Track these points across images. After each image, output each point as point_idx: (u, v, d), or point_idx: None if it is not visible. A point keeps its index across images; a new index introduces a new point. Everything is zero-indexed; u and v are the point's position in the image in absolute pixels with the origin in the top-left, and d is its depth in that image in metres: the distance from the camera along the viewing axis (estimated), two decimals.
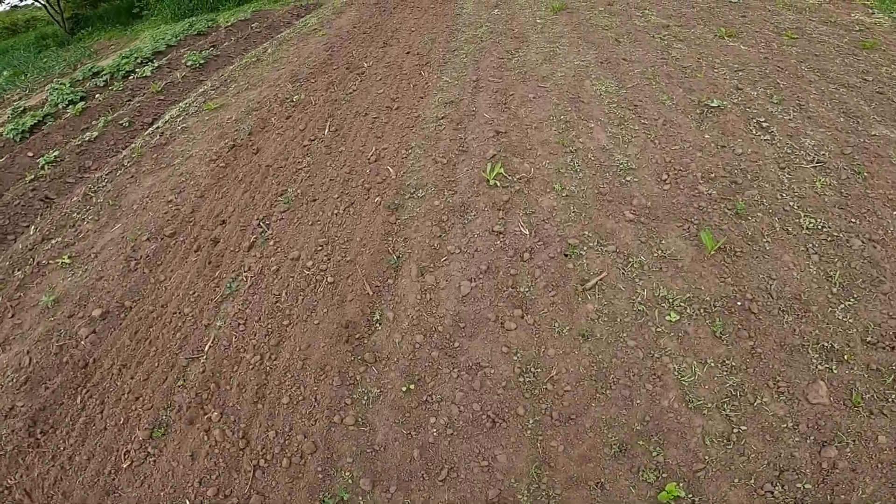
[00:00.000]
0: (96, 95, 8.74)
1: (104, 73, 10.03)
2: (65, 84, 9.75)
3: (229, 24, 11.22)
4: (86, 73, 10.60)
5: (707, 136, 4.42)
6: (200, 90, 7.63)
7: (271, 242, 4.28)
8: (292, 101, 6.30)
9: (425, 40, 7.34)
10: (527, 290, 3.43)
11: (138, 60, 10.46)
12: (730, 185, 3.90)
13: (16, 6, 23.71)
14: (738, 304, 3.18)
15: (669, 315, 3.18)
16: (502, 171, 4.24)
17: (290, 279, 3.95)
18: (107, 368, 3.58)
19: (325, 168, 4.96)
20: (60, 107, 8.76)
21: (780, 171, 4.03)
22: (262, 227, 4.50)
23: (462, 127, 5.00)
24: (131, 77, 9.40)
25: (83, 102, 8.36)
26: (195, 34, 11.82)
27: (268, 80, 7.30)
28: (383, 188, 4.46)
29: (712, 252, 3.41)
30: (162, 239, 4.70)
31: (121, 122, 7.25)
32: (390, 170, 4.66)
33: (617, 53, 6.06)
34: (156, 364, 3.57)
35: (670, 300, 3.25)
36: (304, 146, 5.34)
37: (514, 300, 3.40)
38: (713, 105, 4.75)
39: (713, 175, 3.98)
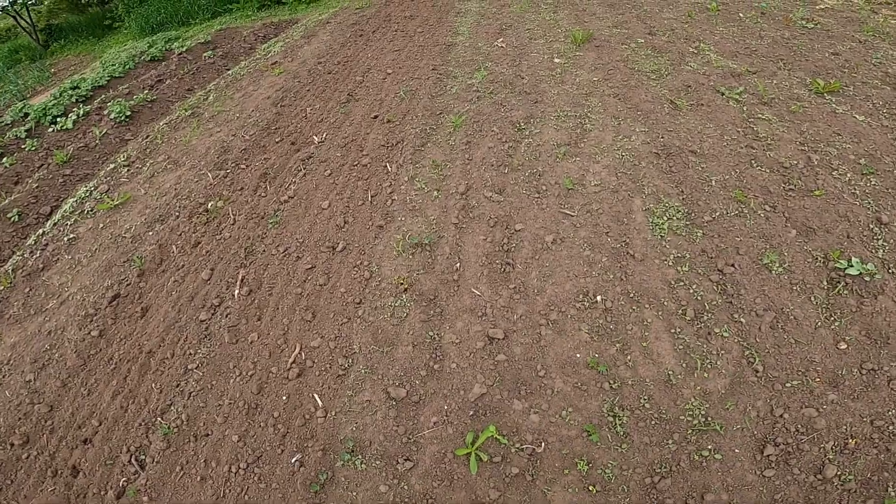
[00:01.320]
0: (3, 159, 7.01)
1: (31, 117, 8.32)
2: None
3: (184, 49, 9.37)
4: (15, 116, 8.90)
5: (844, 346, 2.51)
6: (111, 166, 5.83)
7: (145, 498, 2.58)
8: (207, 209, 4.45)
9: (402, 92, 5.37)
10: None
11: (72, 99, 8.75)
12: (881, 465, 1.99)
13: None
14: None
15: None
16: (494, 431, 2.36)
17: None
18: None
19: (224, 374, 3.14)
20: None
21: None
22: (133, 465, 2.87)
23: (437, 312, 3.07)
24: (53, 128, 7.65)
25: None
26: (148, 60, 10.03)
27: (192, 155, 5.45)
28: (305, 436, 2.73)
29: None
30: (11, 448, 3.16)
31: (10, 216, 5.51)
32: (318, 400, 2.82)
33: (677, 133, 4.02)
34: None
35: None
36: (202, 321, 3.50)
37: None
38: (851, 272, 2.76)
39: (855, 451, 2.09)
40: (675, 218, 3.33)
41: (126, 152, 6.09)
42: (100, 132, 6.76)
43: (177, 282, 4.01)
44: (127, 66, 9.73)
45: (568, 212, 3.42)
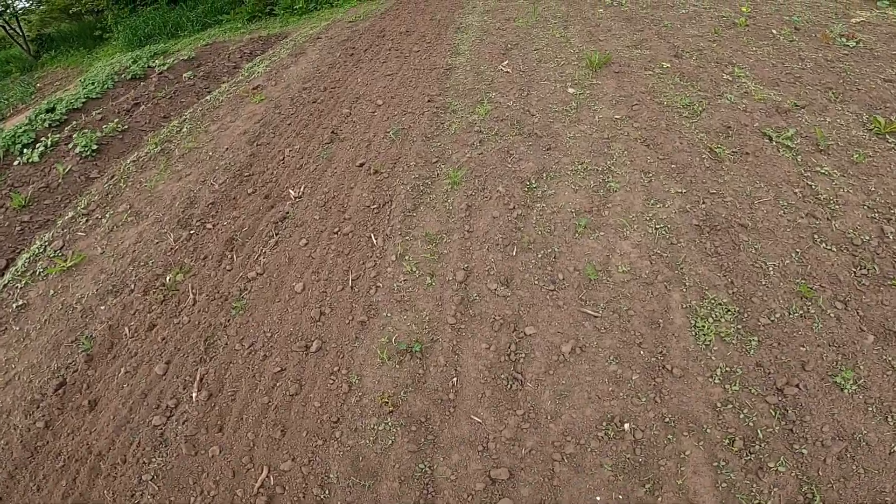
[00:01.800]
0: None
1: None
2: None
3: (165, 68, 8.73)
4: None
5: None
6: (70, 214, 5.21)
7: None
8: (164, 283, 3.82)
9: (393, 132, 4.69)
10: None
11: (45, 124, 8.12)
12: None
13: None
14: None
15: None
16: None
17: None
18: None
19: (184, 491, 2.64)
20: None
21: None
22: None
23: (429, 440, 2.47)
24: (20, 161, 7.04)
25: None
26: (129, 78, 9.39)
27: (156, 206, 4.82)
28: None
29: None
30: None
31: None
32: None
33: (722, 196, 3.32)
34: None
35: None
36: (156, 427, 2.95)
37: None
38: None
39: None
40: (723, 320, 2.65)
41: (88, 196, 5.47)
42: (63, 169, 6.14)
43: (128, 373, 3.41)
44: (105, 86, 9.10)
45: (590, 311, 2.74)
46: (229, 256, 3.89)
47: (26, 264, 4.76)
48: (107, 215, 4.99)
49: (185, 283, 3.74)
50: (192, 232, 4.28)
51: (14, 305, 4.33)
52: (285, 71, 7.12)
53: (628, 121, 4.17)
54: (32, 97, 12.77)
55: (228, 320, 3.44)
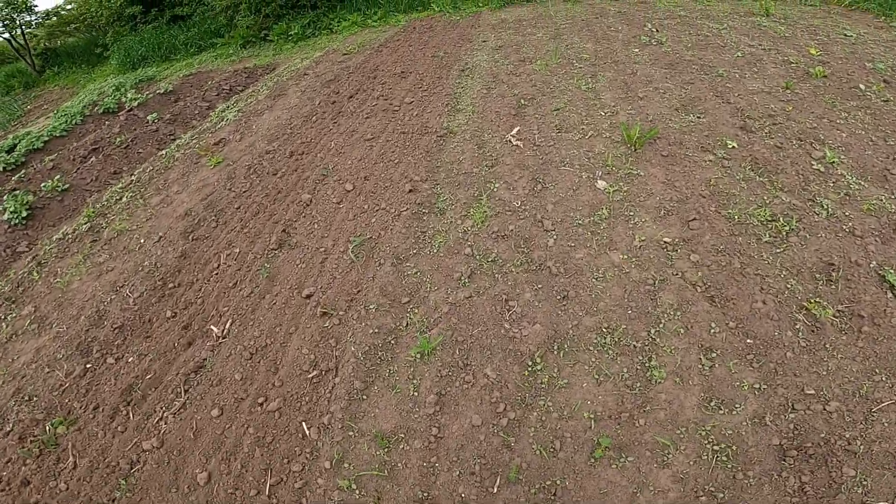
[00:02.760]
0: None
1: None
2: None
3: (136, 104, 7.78)
4: None
5: None
6: None
7: None
8: (43, 435, 2.78)
9: (356, 243, 3.54)
10: None
11: (0, 167, 7.24)
12: None
13: None
14: None
15: None
16: None
17: None
18: None
19: None
20: None
21: None
22: None
23: None
24: None
25: None
26: (101, 112, 8.49)
27: (63, 313, 3.81)
28: None
29: None
30: None
31: None
32: None
33: (824, 399, 2.07)
34: None
35: None
36: None
37: None
38: None
39: None
40: None
41: (11, 275, 4.48)
42: None
43: None
44: (74, 121, 8.22)
45: None
46: (124, 412, 2.81)
47: None
48: (9, 317, 3.97)
49: (68, 440, 2.72)
50: (88, 365, 3.21)
51: None
52: (256, 120, 6.06)
53: (683, 248, 2.93)
54: (19, 120, 12.06)
55: (112, 501, 2.38)
